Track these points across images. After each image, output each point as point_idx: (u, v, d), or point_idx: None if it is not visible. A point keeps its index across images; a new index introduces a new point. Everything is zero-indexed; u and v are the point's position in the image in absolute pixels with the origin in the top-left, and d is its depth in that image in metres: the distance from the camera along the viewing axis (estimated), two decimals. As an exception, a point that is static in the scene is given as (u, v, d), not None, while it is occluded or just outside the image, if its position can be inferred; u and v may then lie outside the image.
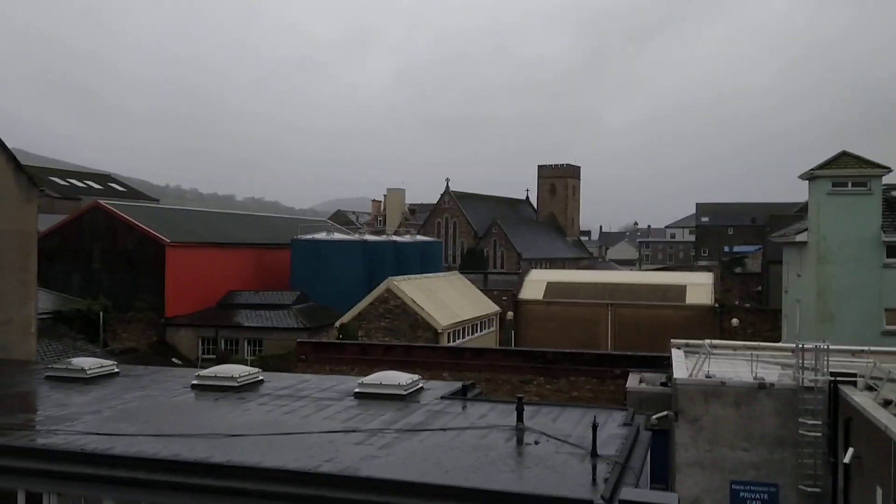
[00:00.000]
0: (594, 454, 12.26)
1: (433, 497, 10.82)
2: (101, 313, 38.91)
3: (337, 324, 45.00)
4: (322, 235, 57.62)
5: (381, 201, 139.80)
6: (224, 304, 50.30)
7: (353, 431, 14.05)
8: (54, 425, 14.36)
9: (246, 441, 13.33)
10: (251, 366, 21.30)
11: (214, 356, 43.70)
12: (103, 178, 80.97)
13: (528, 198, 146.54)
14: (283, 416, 15.33)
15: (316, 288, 52.61)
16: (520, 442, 13.51)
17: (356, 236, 62.87)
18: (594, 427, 12.53)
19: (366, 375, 18.35)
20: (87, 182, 73.62)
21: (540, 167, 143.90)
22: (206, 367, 20.33)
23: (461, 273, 66.65)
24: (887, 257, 32.27)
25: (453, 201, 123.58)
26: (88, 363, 19.76)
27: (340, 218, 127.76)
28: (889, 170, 32.48)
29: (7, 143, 24.97)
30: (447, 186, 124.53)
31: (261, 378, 18.85)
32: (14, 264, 25.02)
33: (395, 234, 73.70)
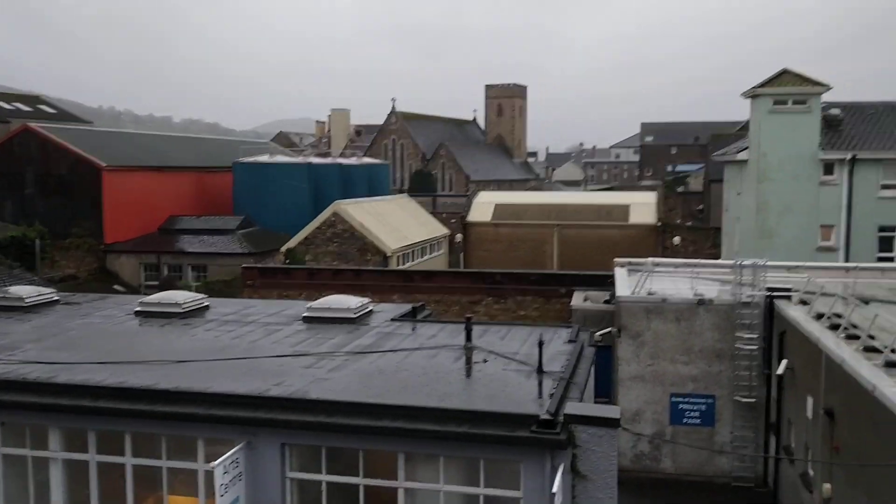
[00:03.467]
0: (540, 370, 12.55)
1: (382, 416, 10.98)
2: (38, 240, 37.79)
3: (283, 249, 44.62)
4: (265, 158, 56.48)
5: (325, 122, 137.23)
6: (165, 230, 49.34)
7: (303, 355, 14.08)
8: (-6, 356, 14.05)
9: (193, 367, 13.26)
10: (196, 292, 21.05)
11: (157, 283, 43.04)
12: (32, 99, 77.36)
13: (475, 119, 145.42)
14: (231, 341, 15.26)
15: (260, 213, 51.85)
16: (468, 361, 13.73)
17: (300, 159, 61.84)
18: (540, 344, 12.79)
19: (314, 300, 18.31)
20: (15, 104, 70.26)
21: (487, 87, 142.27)
22: (149, 294, 20.03)
23: (410, 196, 66.34)
24: (824, 174, 33.10)
25: (400, 122, 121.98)
26: (26, 291, 19.28)
27: (283, 140, 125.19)
28: (828, 87, 32.98)
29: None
30: (393, 107, 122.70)
31: (206, 304, 18.67)
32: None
33: (341, 156, 72.72)
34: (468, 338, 14.50)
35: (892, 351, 14.04)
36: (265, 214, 51.86)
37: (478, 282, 33.96)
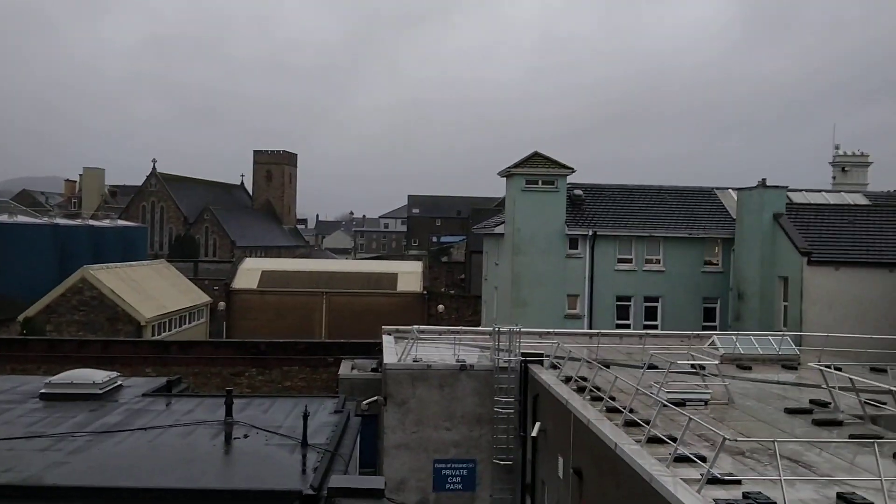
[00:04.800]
0: (304, 443, 12.23)
1: (129, 502, 10.06)
2: None
3: (20, 318, 40.26)
4: (3, 218, 51.17)
5: (76, 181, 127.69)
6: None
7: (38, 437, 12.61)
8: None
9: None
10: None
11: None
12: None
13: (243, 184, 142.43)
14: (-52, 424, 13.32)
15: (-5, 277, 46.66)
16: (228, 437, 13.06)
17: (45, 219, 56.76)
18: (305, 416, 12.51)
19: (54, 375, 16.59)
20: None
21: (256, 152, 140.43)
22: None
23: (169, 261, 63.07)
24: (570, 249, 36.11)
25: (161, 184, 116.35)
26: None
27: (27, 198, 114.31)
28: (572, 170, 36.29)
29: None
30: (154, 168, 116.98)
31: (-81, 382, 16.24)
32: None
33: (93, 218, 67.75)
34: (228, 412, 13.83)
35: (630, 411, 15.38)
36: (1, 280, 46.68)
37: (241, 352, 32.75)
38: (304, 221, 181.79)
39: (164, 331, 44.64)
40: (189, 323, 49.67)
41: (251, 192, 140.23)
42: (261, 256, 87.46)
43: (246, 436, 12.98)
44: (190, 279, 57.19)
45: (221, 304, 53.50)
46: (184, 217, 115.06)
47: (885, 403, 16.56)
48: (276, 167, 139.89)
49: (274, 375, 32.14)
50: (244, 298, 52.92)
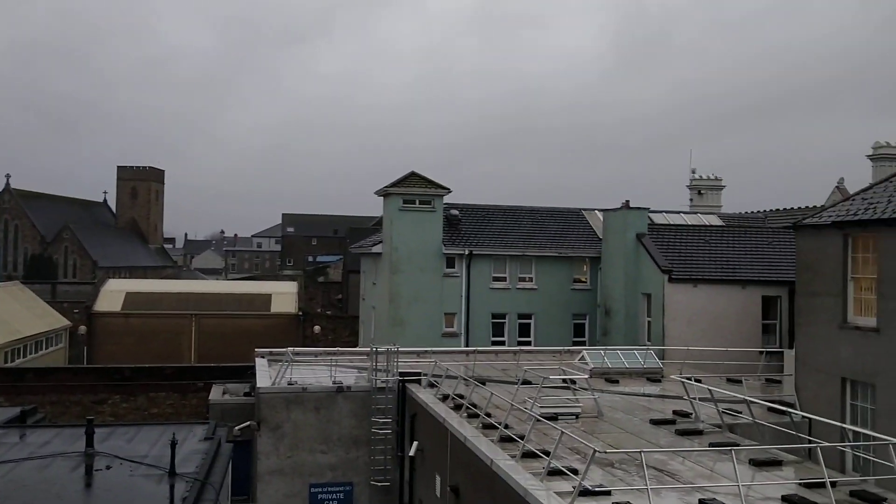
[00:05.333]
0: (172, 473, 11.72)
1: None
2: None
3: None
4: None
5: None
6: None
7: None
8: None
9: None
10: None
11: None
12: None
13: (106, 201, 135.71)
14: None
15: None
16: (89, 469, 12.33)
17: None
18: (173, 444, 11.99)
19: None
20: None
21: (120, 168, 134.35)
22: None
23: (24, 283, 59.17)
24: (447, 268, 36.52)
25: (15, 200, 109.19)
26: None
27: None
28: (449, 190, 36.80)
29: None
30: (7, 183, 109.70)
31: None
32: None
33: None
34: (89, 442, 13.06)
35: (506, 427, 15.65)
36: None
37: (103, 378, 31.11)
38: (171, 241, 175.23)
39: (18, 357, 41.80)
40: (46, 349, 46.73)
41: (115, 210, 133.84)
42: (125, 277, 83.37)
43: (108, 467, 12.31)
44: (47, 302, 53.85)
45: (82, 328, 50.58)
46: (40, 236, 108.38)
47: (740, 412, 17.64)
48: (141, 184, 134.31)
49: (140, 402, 30.69)
50: (107, 322, 50.27)
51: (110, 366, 34.23)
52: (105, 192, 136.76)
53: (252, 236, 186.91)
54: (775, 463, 14.22)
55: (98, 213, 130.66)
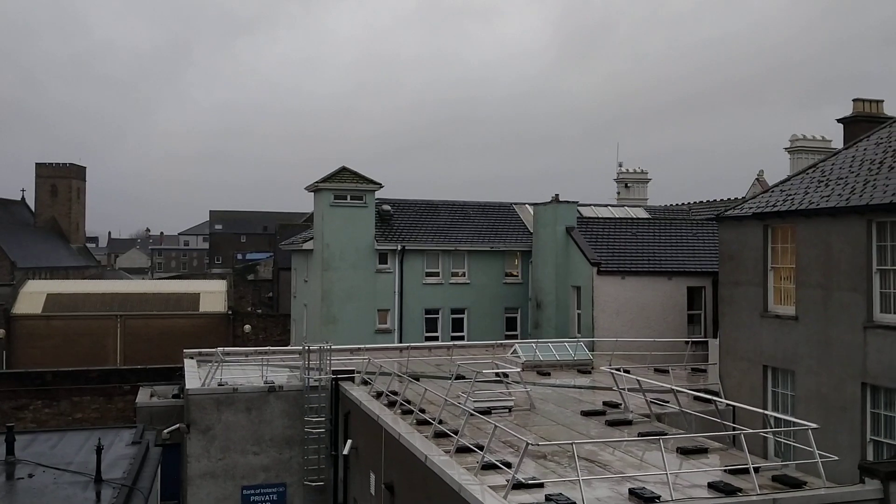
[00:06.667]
0: (98, 479, 11.41)
1: None
2: None
3: None
4: None
5: None
6: None
7: None
8: None
9: None
10: None
11: None
12: None
13: (24, 199, 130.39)
14: None
15: None
16: (10, 477, 11.88)
17: None
18: (98, 450, 11.66)
19: None
20: None
21: (38, 165, 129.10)
22: None
23: (-66, 286, 56.40)
24: (379, 263, 36.37)
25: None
26: None
27: None
28: (381, 185, 36.62)
29: None
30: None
31: None
32: None
33: None
34: (10, 450, 12.59)
35: (440, 422, 15.70)
36: None
37: (24, 383, 29.94)
38: (94, 240, 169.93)
39: (-71, 364, 39.81)
40: (-40, 354, 44.69)
41: (34, 209, 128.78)
42: (45, 278, 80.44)
43: (31, 475, 11.89)
44: (-40, 305, 51.49)
45: (0, 332, 48.59)
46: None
47: (668, 402, 18.11)
48: (62, 181, 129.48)
49: (63, 407, 29.69)
50: (27, 325, 48.41)
51: (31, 370, 32.94)
52: (23, 190, 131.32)
53: (179, 234, 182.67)
54: (701, 451, 14.65)
55: (16, 211, 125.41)
